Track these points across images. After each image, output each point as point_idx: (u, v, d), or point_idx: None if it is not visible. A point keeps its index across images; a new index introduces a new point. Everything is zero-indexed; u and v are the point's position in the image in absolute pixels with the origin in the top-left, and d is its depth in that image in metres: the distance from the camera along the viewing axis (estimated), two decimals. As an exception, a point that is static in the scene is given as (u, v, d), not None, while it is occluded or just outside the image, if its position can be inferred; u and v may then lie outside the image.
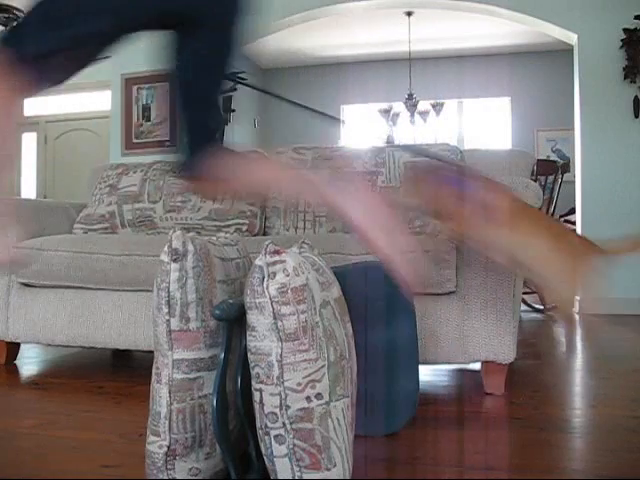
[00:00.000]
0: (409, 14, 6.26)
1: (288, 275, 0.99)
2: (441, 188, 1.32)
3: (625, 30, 4.16)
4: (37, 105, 6.52)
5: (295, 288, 0.99)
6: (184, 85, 1.13)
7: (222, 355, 1.06)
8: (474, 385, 2.00)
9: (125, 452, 1.39)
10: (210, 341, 1.07)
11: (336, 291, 1.16)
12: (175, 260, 1.05)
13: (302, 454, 0.98)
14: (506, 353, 1.85)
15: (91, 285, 2.18)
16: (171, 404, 1.04)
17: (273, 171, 1.30)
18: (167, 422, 1.04)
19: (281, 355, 0.97)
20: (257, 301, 0.98)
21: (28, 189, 6.66)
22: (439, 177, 1.34)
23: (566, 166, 4.38)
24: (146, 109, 5.12)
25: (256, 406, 1.01)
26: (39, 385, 2.08)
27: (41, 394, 1.96)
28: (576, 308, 1.65)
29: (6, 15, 4.70)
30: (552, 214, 4.40)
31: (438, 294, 1.88)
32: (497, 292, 1.84)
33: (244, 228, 2.44)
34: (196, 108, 1.13)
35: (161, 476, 1.04)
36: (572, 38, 4.40)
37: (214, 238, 1.24)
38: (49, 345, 2.32)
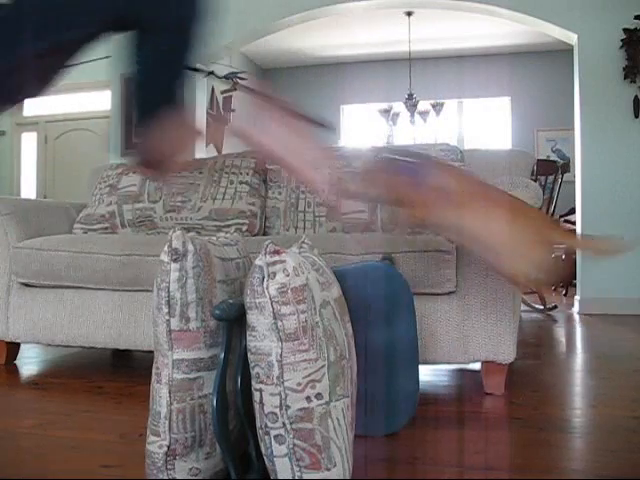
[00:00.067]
0: (409, 14, 6.27)
1: (288, 275, 0.99)
2: (398, 177, 1.35)
3: (625, 30, 4.16)
4: (37, 105, 6.52)
5: (295, 288, 0.99)
6: (142, 75, 1.08)
7: (222, 355, 1.06)
8: (474, 385, 2.00)
9: (125, 452, 1.39)
10: (210, 341, 1.07)
11: (336, 291, 1.16)
12: (175, 260, 1.05)
13: (302, 454, 0.98)
14: (506, 353, 1.85)
15: (91, 285, 2.19)
16: (171, 404, 1.04)
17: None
18: (167, 422, 1.04)
19: (281, 355, 0.97)
20: (257, 301, 0.98)
21: (28, 189, 6.66)
22: (395, 166, 1.37)
23: (566, 166, 4.37)
24: (146, 109, 5.12)
25: (256, 406, 1.01)
26: (39, 385, 2.08)
27: (41, 394, 1.96)
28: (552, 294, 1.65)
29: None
30: (552, 214, 4.40)
31: (438, 294, 1.88)
32: (497, 292, 1.84)
33: (244, 228, 2.44)
34: (151, 92, 1.08)
35: (161, 476, 1.04)
36: (572, 38, 4.40)
37: (214, 238, 1.24)
38: (49, 345, 2.32)
